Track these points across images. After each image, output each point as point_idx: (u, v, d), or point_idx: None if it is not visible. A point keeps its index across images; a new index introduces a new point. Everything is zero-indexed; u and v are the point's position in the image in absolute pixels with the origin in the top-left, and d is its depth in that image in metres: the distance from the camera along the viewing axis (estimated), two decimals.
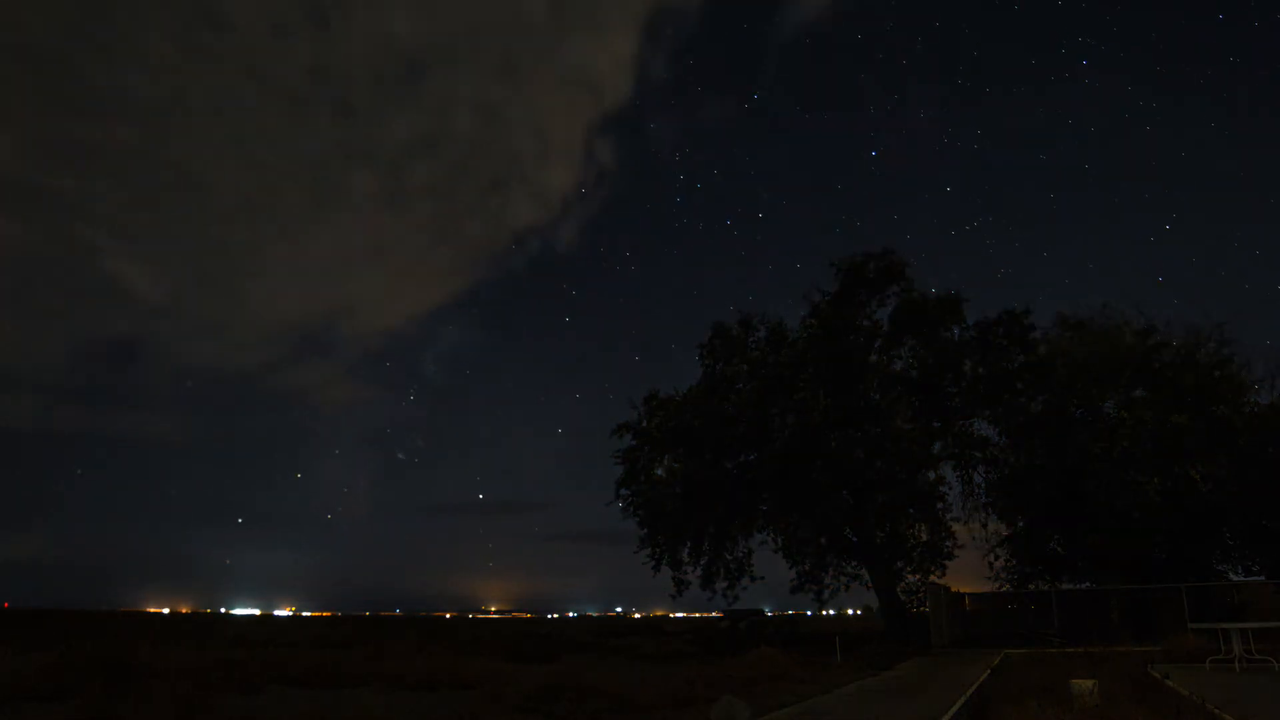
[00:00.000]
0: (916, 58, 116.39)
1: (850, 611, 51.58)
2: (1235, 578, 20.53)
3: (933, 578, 21.14)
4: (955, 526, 21.85)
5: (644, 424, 22.60)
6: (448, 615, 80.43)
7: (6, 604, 69.69)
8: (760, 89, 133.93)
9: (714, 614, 30.47)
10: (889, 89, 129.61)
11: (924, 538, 21.66)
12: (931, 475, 22.02)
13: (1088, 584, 21.60)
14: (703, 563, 21.77)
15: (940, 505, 21.66)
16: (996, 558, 22.19)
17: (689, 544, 21.81)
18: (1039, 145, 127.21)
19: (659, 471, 22.62)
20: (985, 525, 22.05)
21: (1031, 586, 21.67)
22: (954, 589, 21.43)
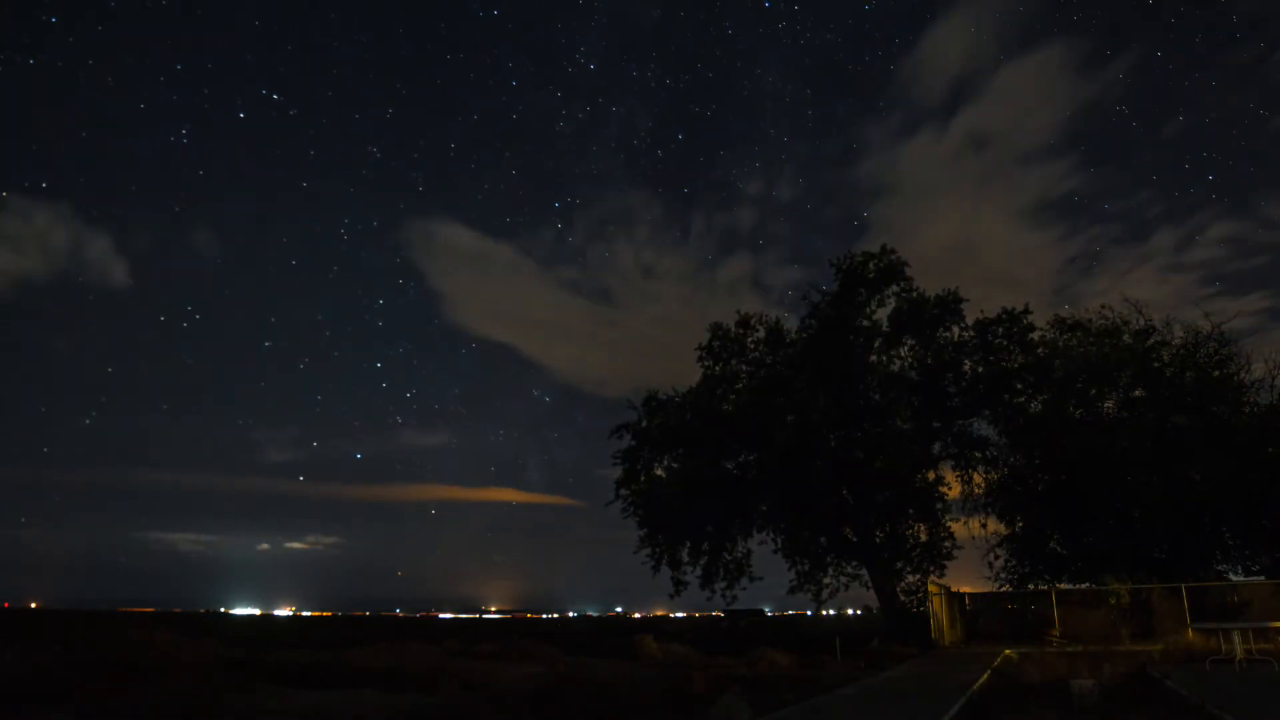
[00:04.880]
0: None
1: (850, 611, 51.58)
2: (1235, 578, 20.51)
3: (932, 578, 21.15)
4: (955, 526, 21.88)
5: (643, 424, 22.60)
6: (448, 615, 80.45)
7: (6, 604, 69.69)
8: None
9: (714, 614, 30.47)
10: None
11: (924, 538, 21.67)
12: (931, 475, 22.08)
13: (1088, 584, 21.59)
14: (702, 563, 21.79)
15: (940, 505, 21.69)
16: (996, 558, 22.19)
17: (688, 544, 21.82)
18: None
19: (659, 472, 22.65)
20: (985, 525, 22.08)
21: (1031, 586, 21.65)
22: (954, 589, 21.43)
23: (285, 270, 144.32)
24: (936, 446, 22.14)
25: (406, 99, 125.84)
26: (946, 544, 21.49)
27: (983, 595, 22.05)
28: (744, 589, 21.76)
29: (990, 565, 22.13)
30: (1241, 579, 20.35)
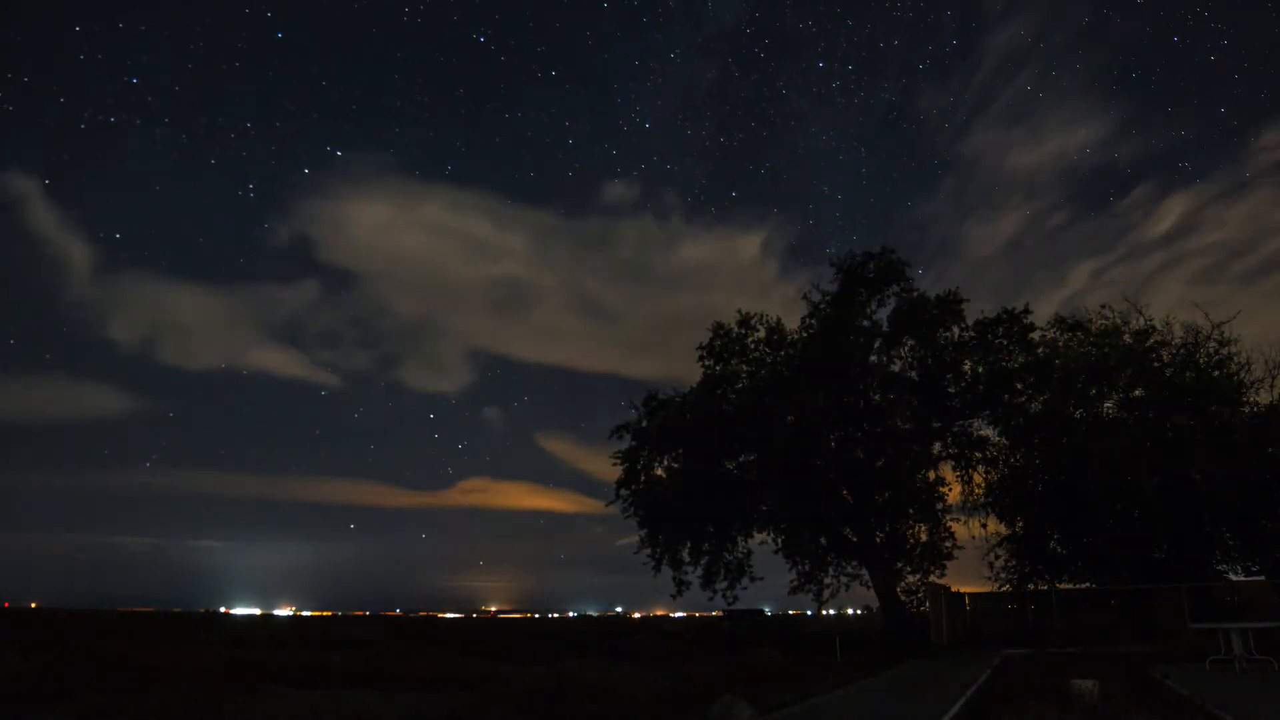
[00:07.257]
0: None
1: (850, 611, 51.57)
2: (1235, 578, 20.52)
3: (932, 578, 21.16)
4: (955, 526, 21.89)
5: (643, 425, 22.60)
6: (448, 615, 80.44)
7: (6, 604, 69.74)
8: None
9: (714, 614, 30.47)
10: None
11: (924, 538, 21.68)
12: (931, 475, 22.08)
13: (1088, 584, 21.60)
14: (703, 563, 21.80)
15: (940, 505, 21.70)
16: (996, 558, 22.21)
17: (689, 544, 21.83)
18: None
19: (659, 472, 22.65)
20: (985, 525, 22.09)
21: (1031, 586, 21.66)
22: (954, 589, 21.45)
23: None
24: (936, 446, 22.13)
25: (464, 155, 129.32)
26: (947, 544, 21.50)
27: (983, 595, 22.07)
28: (744, 589, 21.80)
29: (990, 565, 22.17)
30: (1241, 579, 20.37)
